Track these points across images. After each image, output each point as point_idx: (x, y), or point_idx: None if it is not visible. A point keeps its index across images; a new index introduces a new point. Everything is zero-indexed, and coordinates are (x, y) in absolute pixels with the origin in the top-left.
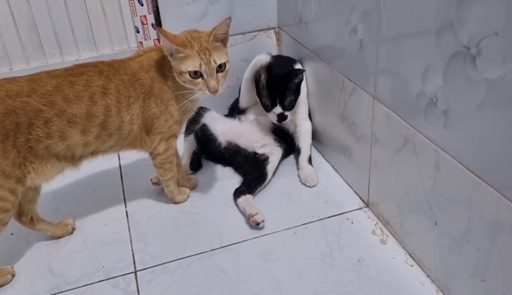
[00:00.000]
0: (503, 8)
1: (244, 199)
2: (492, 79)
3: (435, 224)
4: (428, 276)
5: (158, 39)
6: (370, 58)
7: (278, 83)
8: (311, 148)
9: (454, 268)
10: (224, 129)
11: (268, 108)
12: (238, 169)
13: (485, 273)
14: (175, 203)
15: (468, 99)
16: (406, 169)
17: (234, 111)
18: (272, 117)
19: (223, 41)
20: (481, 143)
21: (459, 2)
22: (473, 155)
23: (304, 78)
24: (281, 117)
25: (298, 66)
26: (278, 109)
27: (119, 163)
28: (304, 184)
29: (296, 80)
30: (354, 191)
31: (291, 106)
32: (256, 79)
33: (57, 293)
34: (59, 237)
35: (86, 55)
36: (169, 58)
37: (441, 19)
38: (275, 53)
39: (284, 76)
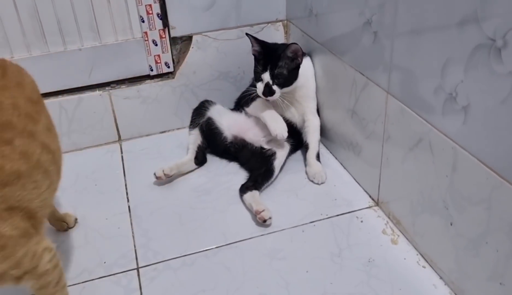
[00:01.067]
0: None
1: (250, 195)
2: None
3: (451, 224)
4: (441, 278)
5: (163, 30)
6: (384, 51)
7: (274, 53)
8: (319, 144)
9: (470, 270)
10: (230, 123)
11: (258, 75)
12: (244, 164)
13: (504, 276)
14: None
15: (491, 94)
16: (420, 167)
17: (241, 105)
18: (260, 87)
19: None
20: (504, 141)
21: None
22: (495, 153)
23: (312, 65)
24: (268, 89)
25: (307, 58)
26: (266, 76)
27: (122, 156)
28: (312, 181)
29: (290, 53)
30: (364, 189)
31: (280, 78)
32: (255, 49)
33: None
34: (59, 230)
35: (88, 44)
36: None
37: (464, 10)
38: None
39: (280, 46)
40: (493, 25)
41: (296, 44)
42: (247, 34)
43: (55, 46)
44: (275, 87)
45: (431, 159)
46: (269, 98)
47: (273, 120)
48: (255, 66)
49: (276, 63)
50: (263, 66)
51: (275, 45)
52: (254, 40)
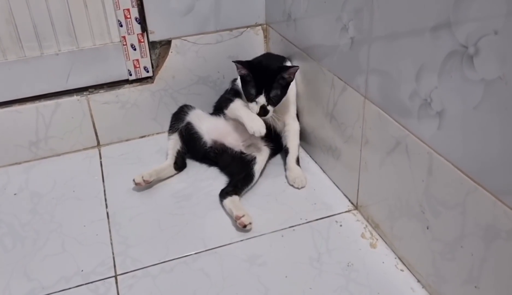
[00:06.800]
0: (503, 6)
1: (230, 200)
2: (490, 80)
3: (427, 228)
4: (419, 281)
5: (142, 34)
6: (361, 57)
7: (267, 75)
8: (299, 149)
9: (446, 273)
10: (209, 128)
11: (251, 97)
12: (224, 169)
13: (479, 279)
14: None
15: (464, 100)
16: (397, 171)
17: (220, 109)
18: (254, 108)
19: None
20: (477, 146)
21: None
22: (469, 158)
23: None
24: (263, 110)
25: (288, 63)
26: (262, 99)
27: (100, 161)
28: (292, 185)
29: (286, 75)
30: (343, 193)
31: (275, 100)
32: (242, 73)
33: None
34: None
35: (66, 49)
36: None
37: (437, 17)
38: (262, 50)
39: (275, 69)
40: (465, 32)
41: (297, 67)
42: (233, 61)
43: (31, 51)
44: (269, 107)
45: (408, 164)
46: (263, 118)
47: (250, 118)
48: (245, 87)
49: (271, 85)
50: (257, 89)
51: (265, 64)
52: (242, 65)
